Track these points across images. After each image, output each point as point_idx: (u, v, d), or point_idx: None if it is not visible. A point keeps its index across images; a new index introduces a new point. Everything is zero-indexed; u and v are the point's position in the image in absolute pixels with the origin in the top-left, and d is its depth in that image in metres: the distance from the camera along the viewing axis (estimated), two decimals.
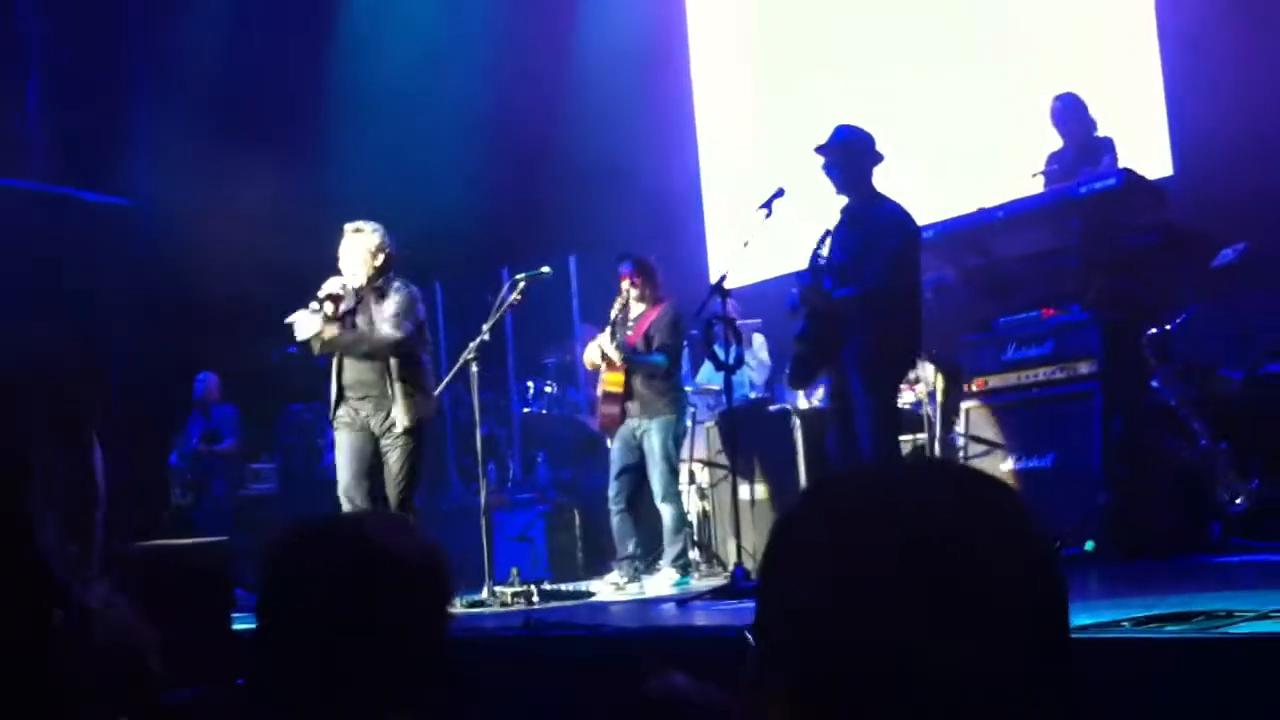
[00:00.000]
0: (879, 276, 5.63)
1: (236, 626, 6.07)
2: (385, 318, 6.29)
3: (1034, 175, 6.45)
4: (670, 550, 7.00)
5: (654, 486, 6.99)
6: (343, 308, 6.32)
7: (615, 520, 7.09)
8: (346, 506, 6.20)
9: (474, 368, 6.78)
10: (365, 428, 6.35)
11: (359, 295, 6.36)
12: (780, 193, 5.88)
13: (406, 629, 1.81)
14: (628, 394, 7.07)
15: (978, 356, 6.19)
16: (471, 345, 6.78)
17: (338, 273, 6.39)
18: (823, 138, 5.90)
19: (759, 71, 9.94)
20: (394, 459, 6.30)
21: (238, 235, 10.06)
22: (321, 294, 6.26)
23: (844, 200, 5.88)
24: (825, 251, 5.81)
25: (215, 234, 10.14)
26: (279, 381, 10.21)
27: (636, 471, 7.05)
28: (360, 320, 6.36)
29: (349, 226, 6.46)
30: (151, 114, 10.20)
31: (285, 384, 10.31)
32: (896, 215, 5.78)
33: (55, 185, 10.11)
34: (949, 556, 0.98)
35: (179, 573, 6.31)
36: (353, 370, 6.39)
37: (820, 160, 5.82)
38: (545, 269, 7.14)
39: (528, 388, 9.53)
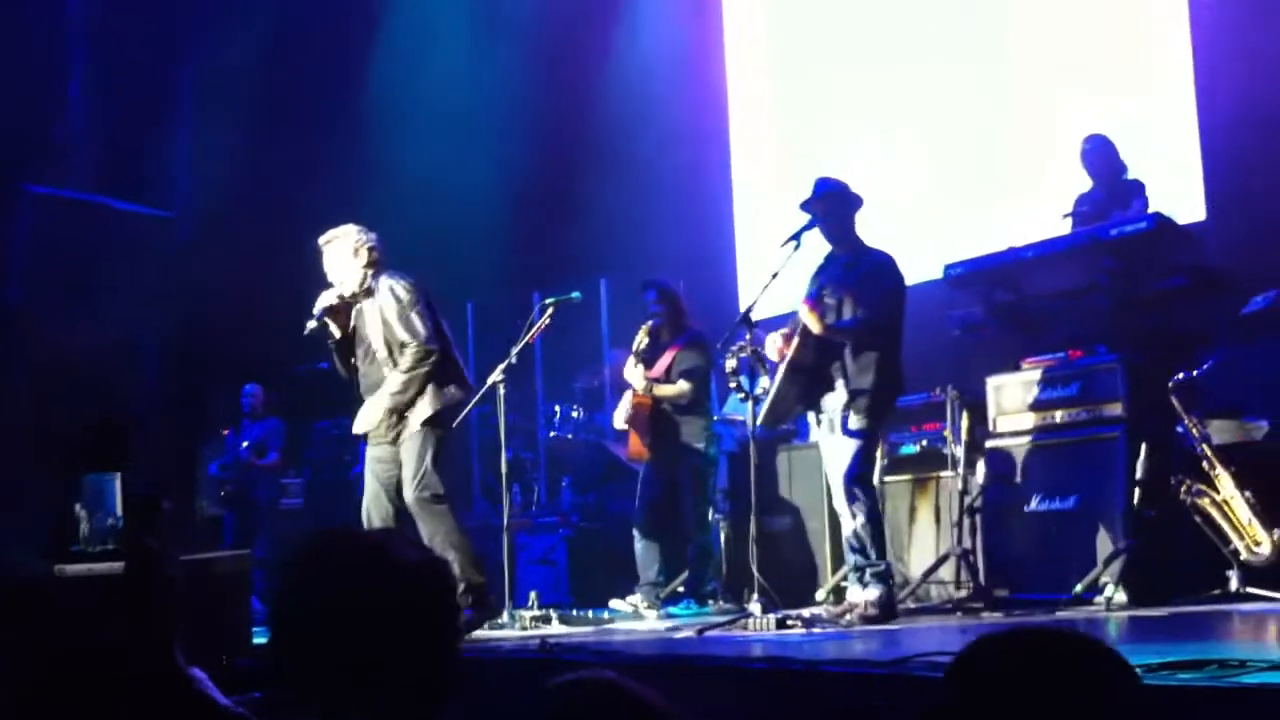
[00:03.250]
0: (878, 310, 5.73)
1: (257, 640, 6.12)
2: (395, 333, 5.88)
3: (1064, 216, 6.45)
4: (692, 579, 7.02)
5: (683, 516, 7.01)
6: (354, 324, 6.04)
7: (639, 547, 7.13)
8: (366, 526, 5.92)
9: (501, 390, 6.81)
10: (385, 434, 5.94)
11: (354, 303, 6.02)
12: (811, 224, 5.91)
13: (413, 642, 1.84)
14: (654, 421, 7.10)
15: (1003, 395, 6.19)
16: (499, 368, 6.80)
17: (330, 286, 6.04)
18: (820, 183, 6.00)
19: (793, 101, 9.97)
20: (406, 459, 5.85)
21: (269, 250, 10.16)
22: (317, 310, 5.97)
23: (828, 248, 6.00)
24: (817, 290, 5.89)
25: (247, 247, 10.25)
26: (306, 397, 10.29)
27: (662, 500, 7.08)
28: (362, 329, 6.01)
29: (320, 241, 6.09)
30: (191, 124, 10.30)
31: (312, 399, 10.39)
32: (888, 260, 5.91)
33: (94, 194, 10.24)
34: None
35: (200, 585, 6.36)
36: (364, 372, 6.04)
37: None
38: (575, 294, 7.18)
39: (555, 411, 9.56)
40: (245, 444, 10.33)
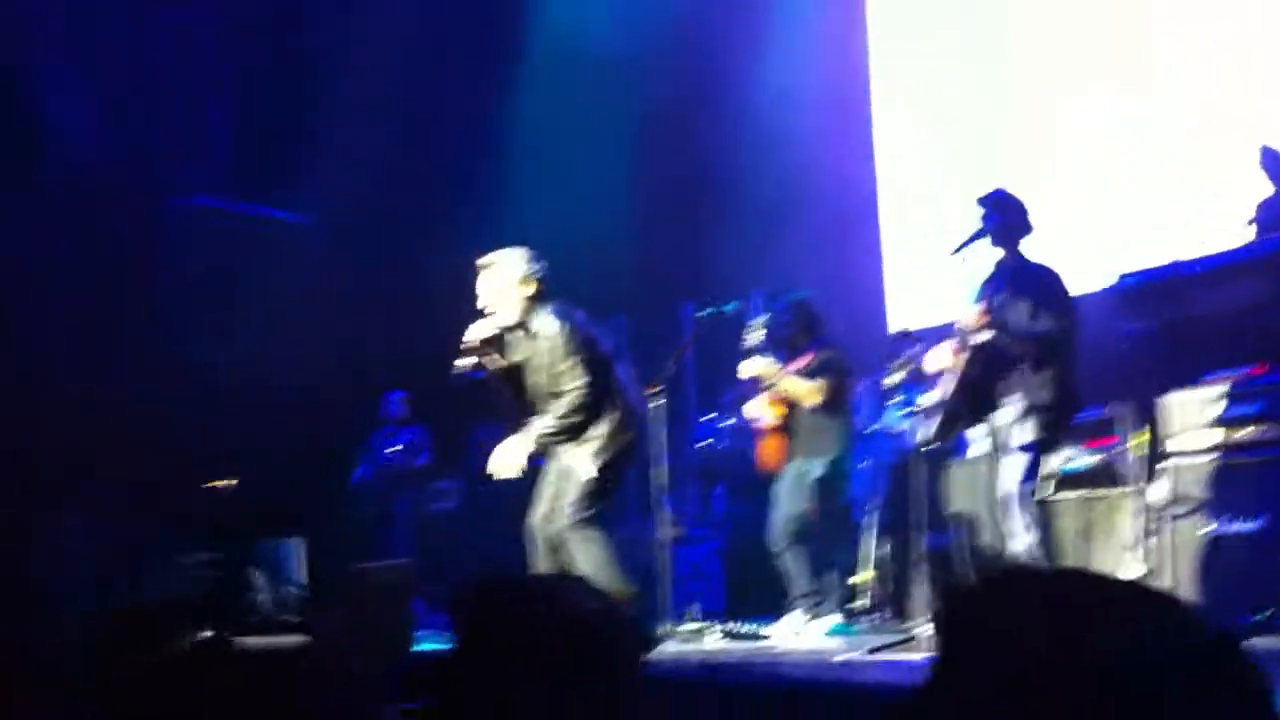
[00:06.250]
0: (1054, 322, 5.56)
1: (418, 648, 6.21)
2: (559, 371, 5.77)
3: (1248, 224, 6.19)
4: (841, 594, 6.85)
5: (787, 521, 6.83)
6: (512, 357, 5.88)
7: (786, 558, 6.92)
8: (529, 545, 6.00)
9: (657, 403, 6.78)
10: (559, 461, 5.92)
11: (511, 335, 5.87)
12: (980, 234, 5.76)
13: (594, 690, 1.82)
14: (790, 429, 6.95)
15: (1180, 412, 5.93)
16: (657, 380, 6.76)
17: (480, 315, 5.83)
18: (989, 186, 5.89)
19: (941, 109, 9.77)
20: (568, 484, 5.85)
21: (411, 258, 10.28)
22: (473, 344, 5.78)
23: (999, 254, 5.81)
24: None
25: (390, 257, 10.38)
26: (462, 402, 10.35)
27: (802, 508, 6.92)
28: (523, 363, 5.88)
29: (480, 263, 5.85)
30: (332, 134, 10.43)
31: (469, 404, 10.45)
32: (1055, 275, 5.73)
33: (237, 201, 10.50)
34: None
35: (366, 594, 6.49)
36: (527, 407, 5.95)
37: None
38: (731, 305, 7.13)
39: (706, 421, 9.50)
40: (395, 449, 10.46)
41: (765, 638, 6.68)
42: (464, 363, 5.83)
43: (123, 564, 6.70)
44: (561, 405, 5.77)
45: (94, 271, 9.24)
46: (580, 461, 5.84)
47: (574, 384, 5.76)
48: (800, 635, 6.64)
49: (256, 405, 9.54)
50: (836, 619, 6.77)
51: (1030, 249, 5.82)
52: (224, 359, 9.33)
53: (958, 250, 5.73)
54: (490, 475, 5.98)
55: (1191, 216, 6.79)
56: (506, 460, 5.88)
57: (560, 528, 5.82)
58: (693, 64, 10.34)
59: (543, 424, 5.82)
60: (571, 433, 5.83)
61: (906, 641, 5.45)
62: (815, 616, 6.78)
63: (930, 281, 5.86)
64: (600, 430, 5.86)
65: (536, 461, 6.07)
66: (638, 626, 2.05)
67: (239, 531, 6.45)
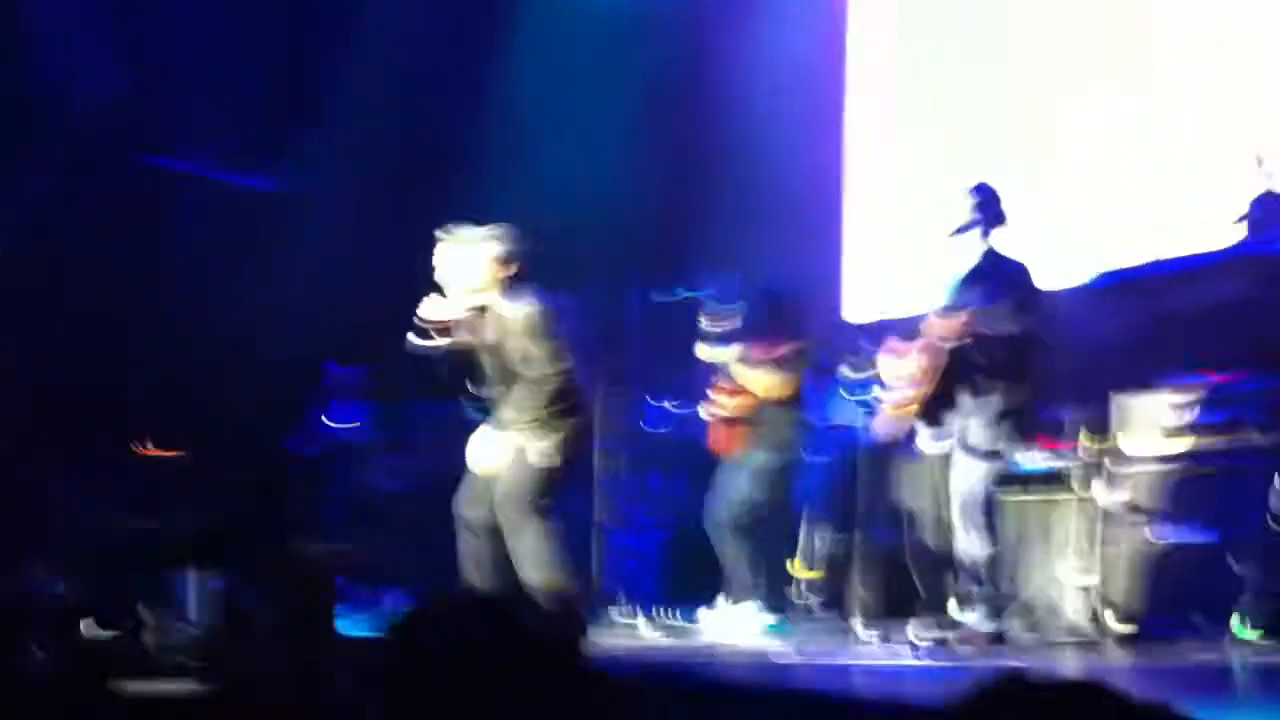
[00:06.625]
0: (1017, 322, 5.42)
1: (342, 633, 5.98)
2: (530, 356, 5.51)
3: (1236, 221, 6.05)
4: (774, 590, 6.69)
5: (733, 509, 6.66)
6: (480, 336, 5.59)
7: (727, 548, 6.70)
8: (463, 532, 5.69)
9: (598, 387, 6.60)
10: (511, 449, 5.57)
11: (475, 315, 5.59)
12: (974, 223, 5.59)
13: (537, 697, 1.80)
14: (748, 419, 6.78)
15: (1134, 416, 5.82)
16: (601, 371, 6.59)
17: (437, 291, 5.56)
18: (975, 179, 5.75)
19: (916, 101, 9.61)
20: (513, 467, 5.53)
21: (367, 229, 10.10)
22: (430, 323, 5.50)
23: (976, 250, 5.65)
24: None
25: (346, 227, 10.19)
26: (410, 378, 10.09)
27: (749, 497, 6.75)
28: (490, 346, 5.60)
29: (448, 237, 5.59)
30: (322, 103, 10.20)
31: (416, 380, 10.19)
32: (1026, 269, 5.59)
33: (208, 166, 10.33)
34: None
35: (290, 576, 6.26)
36: (491, 393, 5.67)
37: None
38: (682, 291, 6.98)
39: (650, 404, 9.34)
40: (341, 425, 10.25)
41: (698, 627, 6.49)
42: (424, 339, 5.52)
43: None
44: (541, 392, 5.49)
45: (74, 236, 9.06)
46: (543, 450, 5.52)
47: (551, 370, 5.50)
48: (735, 626, 6.43)
49: (205, 370, 9.42)
50: (773, 617, 6.58)
51: (1004, 243, 5.68)
52: (180, 323, 9.22)
53: (955, 233, 5.56)
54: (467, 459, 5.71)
55: (1191, 217, 6.65)
56: (487, 454, 5.61)
57: (508, 515, 5.52)
58: (661, 46, 10.14)
59: (520, 413, 5.52)
60: (546, 421, 5.53)
61: (839, 642, 5.31)
62: (751, 610, 6.60)
63: (894, 274, 5.75)
64: (570, 420, 5.59)
65: None
66: (582, 632, 2.06)
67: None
